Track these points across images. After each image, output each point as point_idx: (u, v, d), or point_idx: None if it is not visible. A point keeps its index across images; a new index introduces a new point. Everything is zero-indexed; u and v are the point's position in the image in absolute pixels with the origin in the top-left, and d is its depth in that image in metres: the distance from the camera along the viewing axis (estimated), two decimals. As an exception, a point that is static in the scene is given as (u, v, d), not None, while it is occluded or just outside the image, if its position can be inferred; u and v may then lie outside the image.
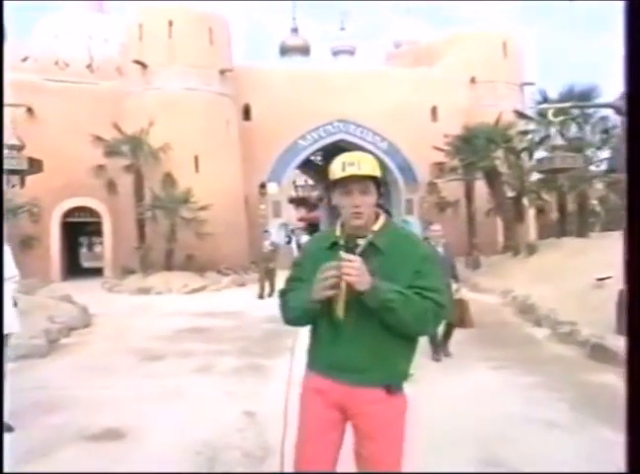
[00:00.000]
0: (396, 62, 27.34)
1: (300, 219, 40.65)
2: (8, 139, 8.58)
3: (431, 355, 5.91)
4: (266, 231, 13.81)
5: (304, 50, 31.35)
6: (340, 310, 1.84)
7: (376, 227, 1.93)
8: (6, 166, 7.98)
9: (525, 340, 7.35)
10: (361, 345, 1.86)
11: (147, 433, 3.98)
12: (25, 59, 19.69)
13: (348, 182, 1.87)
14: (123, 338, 7.77)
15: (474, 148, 14.65)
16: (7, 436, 3.76)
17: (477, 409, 4.34)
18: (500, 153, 14.80)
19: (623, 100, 6.52)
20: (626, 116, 1.75)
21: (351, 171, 1.85)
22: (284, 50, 31.37)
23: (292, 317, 1.99)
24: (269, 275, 12.45)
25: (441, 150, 17.99)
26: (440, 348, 6.02)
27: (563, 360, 6.05)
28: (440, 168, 19.34)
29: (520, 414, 4.28)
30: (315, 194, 35.52)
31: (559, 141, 10.00)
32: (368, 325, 1.83)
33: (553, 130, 9.83)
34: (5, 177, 8.28)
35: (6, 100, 15.54)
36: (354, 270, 1.73)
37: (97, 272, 20.11)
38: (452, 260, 6.20)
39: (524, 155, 14.99)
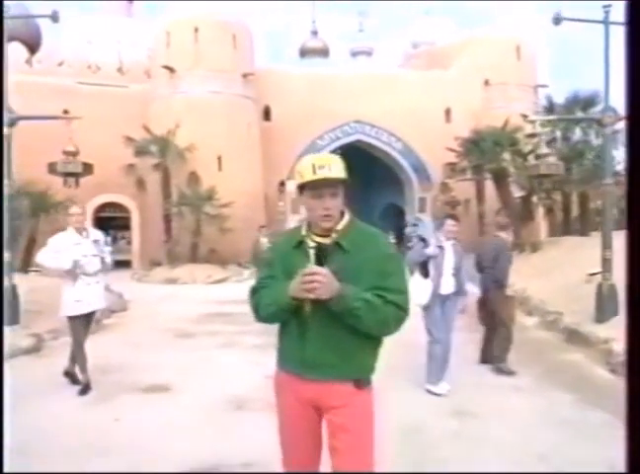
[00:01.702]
0: (413, 63, 28.04)
1: (318, 216, 41.57)
2: (65, 146, 9.71)
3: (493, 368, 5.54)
4: (262, 226, 13.14)
5: (323, 52, 32.22)
6: (308, 308, 1.88)
7: (340, 227, 1.94)
8: (64, 169, 9.11)
9: (516, 327, 8.17)
10: (329, 342, 1.90)
11: (187, 387, 4.97)
12: (60, 64, 20.96)
13: (319, 184, 1.86)
14: (157, 319, 8.81)
15: (482, 150, 15.41)
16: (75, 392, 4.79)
17: (458, 378, 5.23)
18: (507, 155, 15.50)
19: (605, 113, 7.30)
20: (626, 118, 1.84)
21: (322, 174, 1.85)
22: (304, 52, 32.28)
23: (266, 314, 1.99)
24: None
25: (454, 151, 18.76)
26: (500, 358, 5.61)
27: (542, 343, 6.90)
28: (451, 168, 20.07)
29: (493, 381, 5.19)
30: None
31: (544, 150, 10.79)
32: (332, 324, 1.87)
33: (544, 138, 10.60)
34: (63, 178, 9.43)
35: (43, 103, 16.78)
36: (319, 283, 1.76)
37: (122, 264, 21.30)
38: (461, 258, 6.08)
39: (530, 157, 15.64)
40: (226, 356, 6.18)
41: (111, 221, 25.09)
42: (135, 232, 21.17)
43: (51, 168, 9.97)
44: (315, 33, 32.83)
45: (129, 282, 15.59)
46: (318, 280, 1.76)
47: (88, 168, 10.21)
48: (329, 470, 1.99)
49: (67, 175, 9.85)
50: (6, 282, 7.32)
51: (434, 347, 4.93)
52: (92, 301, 4.89)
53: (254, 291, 2.05)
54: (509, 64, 24.13)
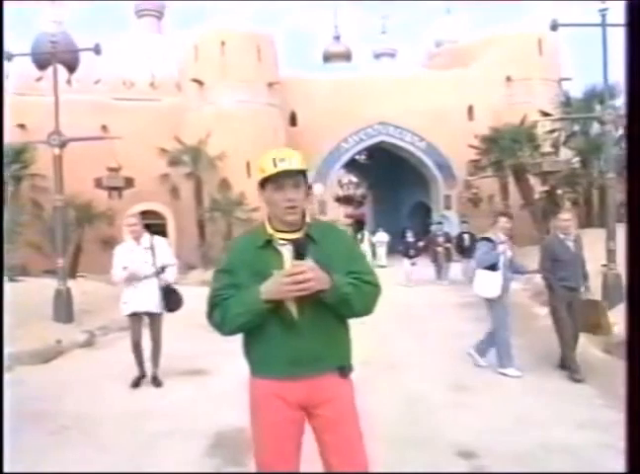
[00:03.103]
0: (436, 62, 28.33)
1: (347, 216, 42.17)
2: (109, 163, 10.68)
3: (569, 375, 5.09)
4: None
5: (346, 56, 32.83)
6: (293, 309, 1.87)
7: (308, 219, 1.98)
8: (109, 184, 10.06)
9: (527, 316, 8.62)
10: (320, 335, 1.90)
11: (221, 371, 5.68)
12: (97, 82, 22.20)
13: (280, 177, 1.87)
14: (193, 317, 9.56)
15: (501, 147, 15.73)
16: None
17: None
18: (526, 151, 15.79)
19: (606, 111, 7.71)
20: (626, 117, 1.87)
21: (283, 167, 1.85)
22: (327, 57, 32.97)
23: (237, 325, 1.90)
24: None
25: (475, 148, 19.09)
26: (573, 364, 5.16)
27: (540, 327, 7.32)
28: (474, 165, 20.37)
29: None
30: (360, 192, 36.94)
31: (548, 149, 11.12)
32: (322, 317, 1.88)
33: (547, 136, 10.93)
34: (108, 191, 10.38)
35: (83, 120, 17.90)
36: (312, 279, 1.76)
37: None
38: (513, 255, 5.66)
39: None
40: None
41: (148, 228, 26.36)
42: (171, 238, 22.16)
43: (97, 183, 11.01)
44: (338, 37, 33.48)
45: (167, 285, 16.59)
46: (310, 277, 1.74)
47: (129, 182, 11.19)
48: (318, 467, 2.00)
49: (111, 188, 10.85)
50: (60, 286, 8.25)
51: (500, 333, 5.36)
52: (139, 303, 5.09)
53: (214, 305, 1.93)
54: (531, 59, 24.17)
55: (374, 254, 19.48)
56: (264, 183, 1.92)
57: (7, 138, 17.84)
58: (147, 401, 4.80)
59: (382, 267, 17.57)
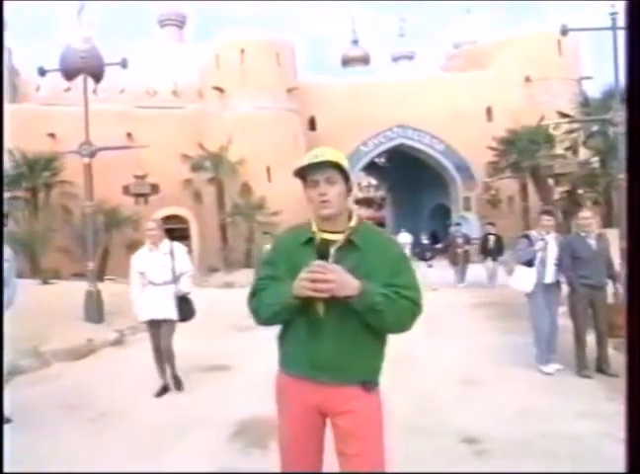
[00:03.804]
0: (455, 63, 28.42)
1: (368, 218, 42.39)
2: (136, 171, 11.18)
3: (578, 372, 5.21)
4: (266, 233, 11.31)
5: (364, 60, 33.13)
6: (320, 310, 1.84)
7: (353, 224, 1.92)
8: (135, 191, 10.55)
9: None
10: (342, 343, 1.85)
11: (244, 367, 6.01)
12: (122, 91, 22.93)
13: (313, 174, 1.87)
14: (218, 317, 9.96)
15: (518, 149, 15.79)
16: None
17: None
18: (545, 152, 15.83)
19: (617, 113, 7.84)
20: (626, 116, 1.83)
21: (312, 160, 1.86)
22: (346, 61, 33.31)
23: (268, 315, 1.92)
24: None
25: (494, 149, 19.17)
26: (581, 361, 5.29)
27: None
28: (493, 167, 20.43)
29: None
30: (379, 194, 37.12)
31: (559, 151, 11.20)
32: (348, 323, 1.83)
33: (558, 139, 11.06)
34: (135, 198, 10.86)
35: (109, 128, 18.56)
36: (332, 283, 1.72)
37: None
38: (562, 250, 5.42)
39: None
40: (274, 343, 7.18)
41: (171, 232, 27.04)
42: (194, 241, 22.73)
43: (125, 190, 11.52)
44: (356, 41, 33.81)
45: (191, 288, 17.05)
46: (330, 279, 1.71)
47: (155, 188, 11.69)
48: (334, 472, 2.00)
49: (138, 195, 11.36)
50: (91, 288, 8.69)
51: (538, 331, 5.42)
52: (155, 309, 4.96)
53: (253, 293, 1.98)
54: (550, 59, 24.10)
55: None
56: (304, 183, 1.93)
57: (31, 146, 18.63)
58: (174, 393, 5.14)
59: None
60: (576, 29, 7.55)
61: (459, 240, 14.28)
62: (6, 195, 19.13)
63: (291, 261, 1.90)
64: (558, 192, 17.96)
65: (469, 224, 21.67)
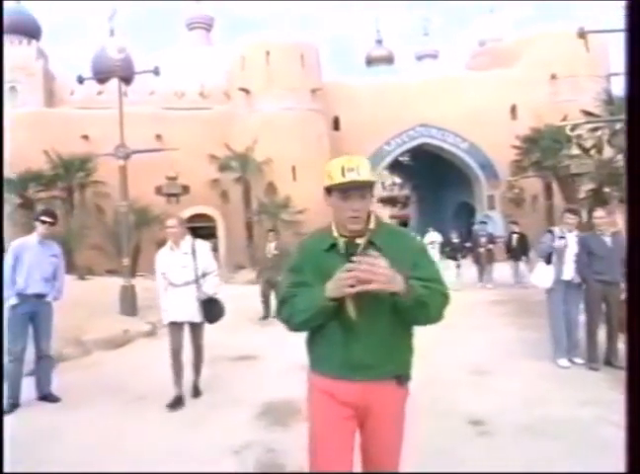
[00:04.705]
0: (479, 61, 28.36)
1: (392, 217, 42.50)
2: (165, 171, 11.73)
3: (587, 364, 5.45)
4: (271, 231, 10.77)
5: (389, 60, 33.27)
6: (351, 311, 1.86)
7: (372, 226, 1.94)
8: (167, 191, 11.08)
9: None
10: (375, 341, 1.88)
11: (269, 357, 6.40)
12: (151, 93, 23.67)
13: (347, 187, 1.86)
14: (244, 311, 10.40)
15: (541, 148, 15.82)
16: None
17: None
18: (568, 151, 15.80)
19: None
20: (626, 116, 1.77)
21: (351, 177, 1.85)
22: (370, 61, 33.51)
23: (301, 320, 1.92)
24: (271, 289, 9.47)
25: (518, 148, 19.18)
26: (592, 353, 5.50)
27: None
28: (517, 166, 20.42)
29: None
30: (403, 192, 37.21)
31: (575, 151, 11.25)
32: (380, 322, 1.87)
33: (575, 140, 11.11)
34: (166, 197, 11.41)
35: (140, 130, 19.28)
36: (383, 275, 1.71)
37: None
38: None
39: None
40: (296, 337, 7.55)
41: (199, 230, 27.73)
42: (221, 239, 23.33)
43: (158, 190, 12.09)
44: (380, 41, 33.98)
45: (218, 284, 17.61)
46: (382, 272, 1.71)
47: (185, 189, 12.24)
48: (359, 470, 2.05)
49: (170, 195, 11.91)
50: (126, 283, 9.22)
51: (554, 326, 5.59)
52: (179, 312, 4.67)
53: (283, 301, 2.00)
54: (577, 56, 23.76)
55: None
56: (329, 188, 1.91)
57: (67, 148, 19.49)
58: (202, 378, 5.55)
59: None
60: (593, 31, 7.68)
61: (483, 239, 14.05)
62: (43, 194, 20.11)
63: (317, 266, 1.93)
64: (583, 190, 17.90)
65: (494, 223, 21.66)
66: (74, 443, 3.83)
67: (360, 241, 1.91)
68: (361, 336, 1.88)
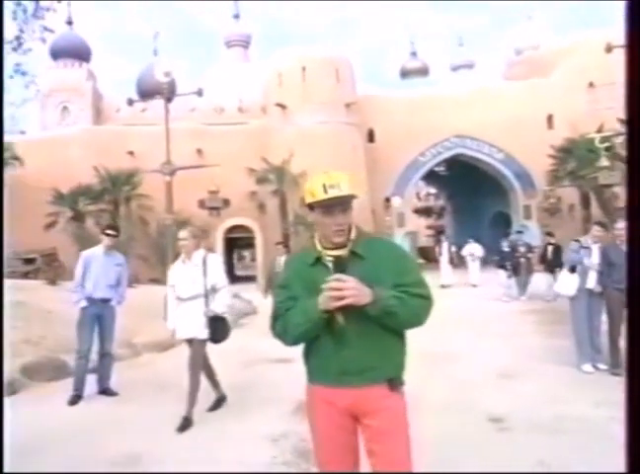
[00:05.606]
0: (516, 70, 28.30)
1: (429, 227, 42.47)
2: (208, 186, 12.40)
3: (609, 370, 5.62)
4: (280, 243, 10.64)
5: (423, 71, 33.51)
6: (340, 319, 1.91)
7: (353, 237, 2.00)
8: (209, 204, 11.74)
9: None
10: (365, 347, 1.95)
11: (301, 360, 6.79)
12: (192, 110, 24.66)
13: (330, 203, 1.90)
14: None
15: (577, 158, 15.78)
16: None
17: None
18: (604, 161, 15.71)
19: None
20: (626, 116, 1.80)
21: (333, 193, 1.89)
22: (405, 73, 33.84)
23: (297, 334, 1.98)
24: None
25: (553, 158, 19.11)
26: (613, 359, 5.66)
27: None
28: (553, 175, 20.31)
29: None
30: (438, 203, 37.18)
31: (604, 163, 11.26)
32: (368, 327, 1.92)
33: (603, 152, 11.09)
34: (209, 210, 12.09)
35: (181, 145, 20.20)
36: (353, 290, 1.81)
37: (247, 278, 24.21)
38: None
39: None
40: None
41: (238, 241, 28.55)
42: (259, 250, 23.94)
43: (201, 204, 12.77)
44: (414, 53, 34.28)
45: (255, 293, 18.11)
46: (350, 287, 1.81)
47: (226, 202, 12.90)
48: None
49: (211, 208, 12.60)
50: (170, 291, 9.81)
51: (577, 333, 5.84)
52: (184, 329, 4.55)
53: (276, 317, 2.06)
54: (615, 63, 23.53)
55: (452, 261, 18.13)
56: (312, 205, 1.96)
57: (113, 163, 20.61)
58: (244, 378, 6.01)
59: (474, 286, 16.03)
60: (620, 45, 7.85)
61: (521, 248, 13.73)
62: (92, 207, 21.26)
63: (305, 281, 2.00)
64: (622, 200, 17.68)
65: (530, 233, 21.53)
66: (131, 432, 4.33)
67: (344, 252, 1.97)
68: (352, 342, 1.94)
